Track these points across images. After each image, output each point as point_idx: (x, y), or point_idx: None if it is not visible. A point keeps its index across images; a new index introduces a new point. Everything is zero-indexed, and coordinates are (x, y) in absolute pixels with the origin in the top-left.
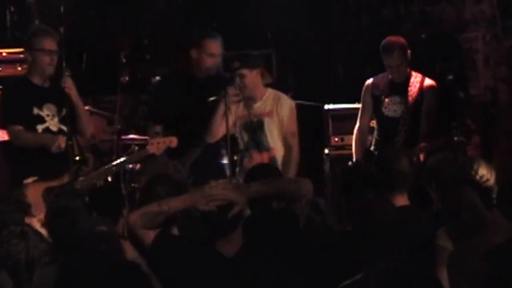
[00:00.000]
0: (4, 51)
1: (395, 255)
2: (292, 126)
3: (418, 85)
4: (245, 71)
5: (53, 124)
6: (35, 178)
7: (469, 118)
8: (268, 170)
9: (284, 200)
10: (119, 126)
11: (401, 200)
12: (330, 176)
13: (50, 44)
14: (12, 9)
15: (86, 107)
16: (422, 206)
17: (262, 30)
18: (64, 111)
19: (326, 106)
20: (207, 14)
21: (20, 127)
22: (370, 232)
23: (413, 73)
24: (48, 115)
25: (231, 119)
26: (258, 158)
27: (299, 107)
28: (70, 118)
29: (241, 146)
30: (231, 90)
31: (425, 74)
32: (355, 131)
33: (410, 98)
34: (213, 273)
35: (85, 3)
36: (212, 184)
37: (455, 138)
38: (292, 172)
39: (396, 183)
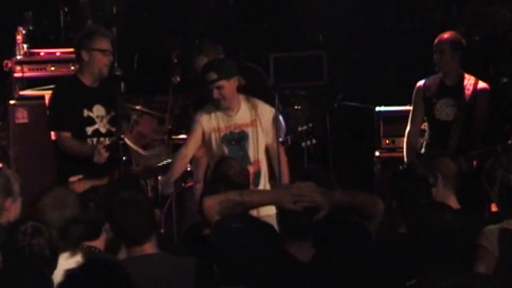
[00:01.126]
0: (58, 51)
1: (452, 261)
2: (275, 133)
3: (471, 88)
4: (222, 82)
5: (102, 125)
6: (80, 176)
7: None
8: (319, 173)
9: (360, 216)
10: (169, 126)
11: (453, 203)
12: (380, 178)
13: (107, 44)
14: (65, 9)
15: (137, 107)
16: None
17: (314, 31)
18: (112, 112)
19: (377, 108)
20: (258, 15)
21: (67, 134)
22: (429, 237)
23: (466, 75)
24: (97, 116)
25: (200, 132)
26: None
27: (350, 109)
28: (120, 118)
29: None
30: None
31: (478, 76)
32: (406, 133)
33: (463, 101)
34: (288, 276)
35: (137, 4)
36: (300, 184)
37: (509, 142)
38: (285, 180)
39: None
